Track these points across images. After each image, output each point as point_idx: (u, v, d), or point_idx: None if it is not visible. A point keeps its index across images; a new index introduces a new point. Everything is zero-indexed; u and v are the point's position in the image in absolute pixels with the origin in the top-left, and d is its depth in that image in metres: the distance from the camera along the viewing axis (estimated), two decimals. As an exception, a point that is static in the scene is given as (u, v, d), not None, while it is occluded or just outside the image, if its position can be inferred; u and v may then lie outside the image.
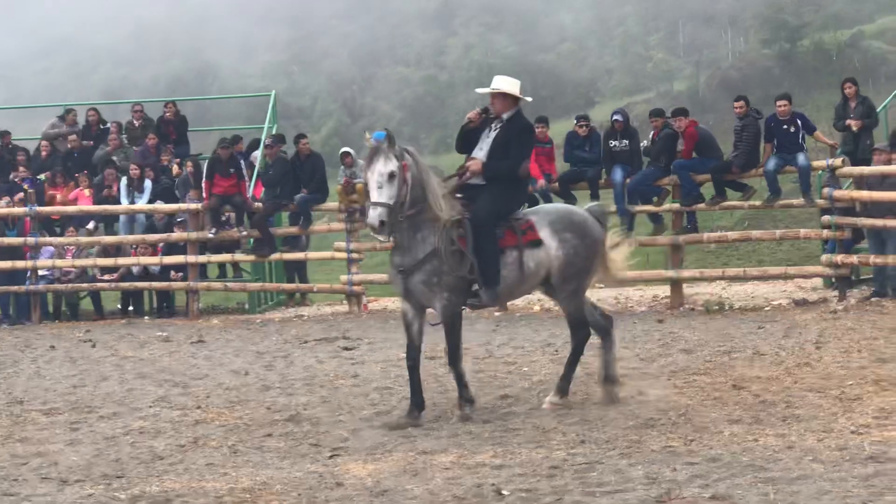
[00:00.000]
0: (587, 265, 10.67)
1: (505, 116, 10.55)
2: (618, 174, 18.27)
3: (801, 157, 17.69)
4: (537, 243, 10.42)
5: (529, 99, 10.98)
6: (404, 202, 9.91)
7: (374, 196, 9.82)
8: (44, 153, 21.83)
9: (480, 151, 10.51)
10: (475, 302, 10.35)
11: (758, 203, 18.48)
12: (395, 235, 10.19)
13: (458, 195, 10.43)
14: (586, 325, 10.80)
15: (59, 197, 20.85)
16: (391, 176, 9.82)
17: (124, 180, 20.57)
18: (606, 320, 11.02)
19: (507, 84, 10.58)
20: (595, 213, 11.10)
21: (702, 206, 18.44)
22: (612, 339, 10.97)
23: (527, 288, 10.82)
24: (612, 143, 18.50)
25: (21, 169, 21.20)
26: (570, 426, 9.68)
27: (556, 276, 10.54)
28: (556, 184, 18.60)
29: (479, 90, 10.94)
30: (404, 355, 10.48)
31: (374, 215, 9.80)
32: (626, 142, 18.46)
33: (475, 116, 10.58)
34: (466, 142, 10.69)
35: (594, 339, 10.94)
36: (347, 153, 20.34)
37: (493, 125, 10.56)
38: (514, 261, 10.34)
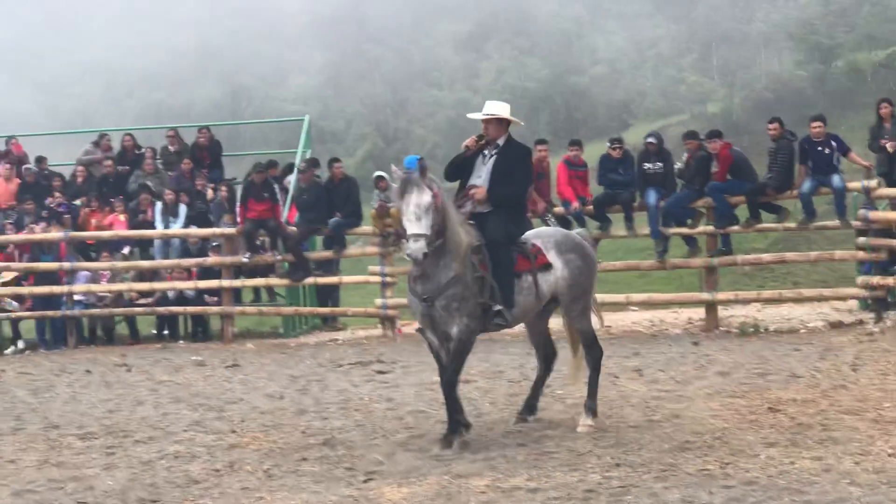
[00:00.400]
0: (589, 285, 10.90)
1: (500, 142, 10.56)
2: (652, 196, 18.25)
3: (835, 179, 17.60)
4: (548, 266, 10.53)
5: (522, 123, 10.98)
6: (435, 231, 9.90)
7: (414, 228, 9.72)
8: (79, 178, 21.97)
9: (479, 179, 10.50)
10: (501, 322, 10.32)
11: (792, 225, 18.38)
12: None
13: (470, 222, 10.44)
14: (597, 341, 10.99)
15: (94, 222, 20.97)
16: (428, 207, 9.78)
17: (159, 205, 20.68)
18: (553, 355, 11.33)
19: (501, 109, 10.61)
20: (584, 236, 11.43)
21: (736, 228, 18.37)
22: (548, 373, 11.37)
23: (536, 310, 10.86)
24: (646, 165, 18.48)
25: (56, 194, 21.33)
26: (605, 449, 9.65)
27: (566, 297, 10.69)
28: (591, 206, 18.60)
29: (471, 115, 10.91)
30: (438, 379, 10.48)
31: (416, 248, 9.69)
32: (660, 164, 18.43)
33: (472, 144, 10.56)
34: (459, 170, 10.69)
35: (533, 366, 11.15)
36: (382, 177, 20.33)
37: (486, 152, 10.56)
38: (531, 285, 10.41)
